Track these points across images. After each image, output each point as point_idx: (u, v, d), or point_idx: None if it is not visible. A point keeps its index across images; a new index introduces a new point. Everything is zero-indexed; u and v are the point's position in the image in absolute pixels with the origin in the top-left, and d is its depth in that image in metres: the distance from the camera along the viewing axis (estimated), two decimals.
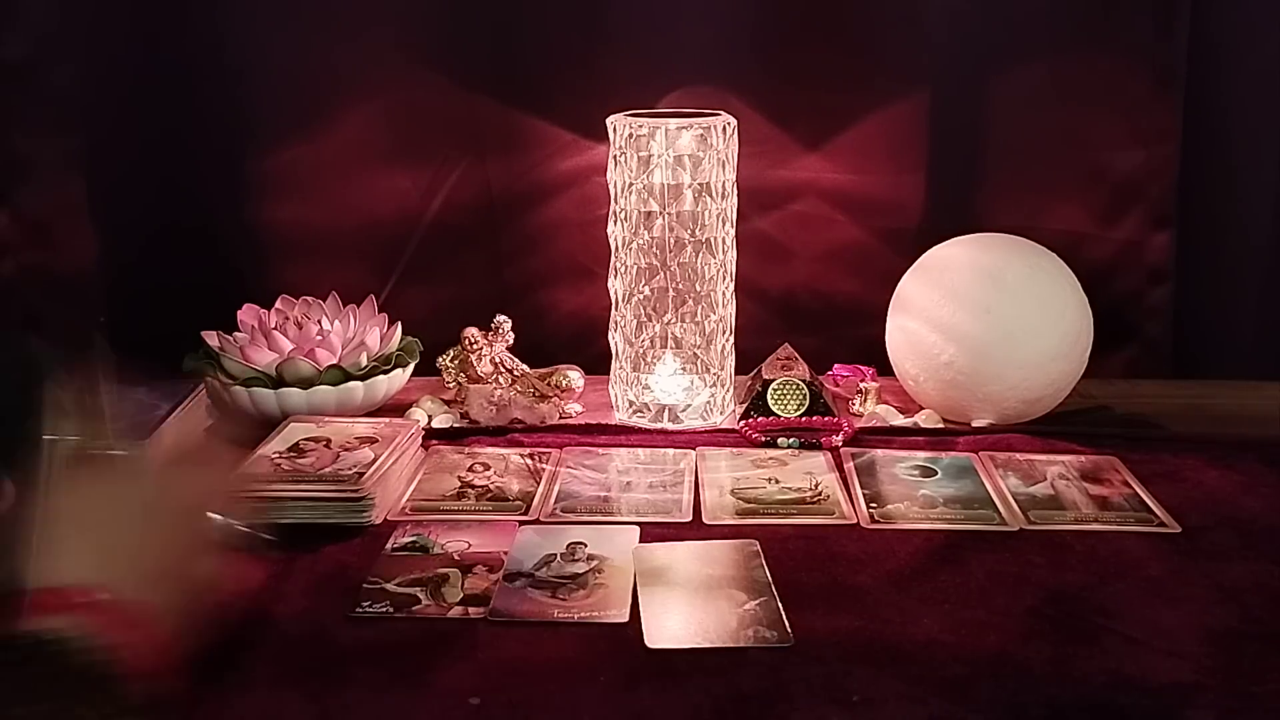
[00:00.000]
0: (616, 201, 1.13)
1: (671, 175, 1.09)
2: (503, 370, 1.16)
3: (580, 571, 0.84)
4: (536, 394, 1.15)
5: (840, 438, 1.08)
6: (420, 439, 1.06)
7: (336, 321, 1.17)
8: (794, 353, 1.18)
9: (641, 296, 1.13)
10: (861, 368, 1.20)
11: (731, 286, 1.15)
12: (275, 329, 1.14)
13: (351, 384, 1.11)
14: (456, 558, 0.87)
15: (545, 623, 0.77)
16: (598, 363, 1.20)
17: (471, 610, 0.79)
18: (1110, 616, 0.78)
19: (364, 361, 1.13)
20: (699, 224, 1.10)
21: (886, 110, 1.26)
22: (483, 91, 1.27)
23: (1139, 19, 1.24)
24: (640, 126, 1.09)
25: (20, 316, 1.27)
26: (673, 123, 1.09)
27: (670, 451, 1.07)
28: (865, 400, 1.15)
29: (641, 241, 1.11)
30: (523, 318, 1.18)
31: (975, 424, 1.10)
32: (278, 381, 1.11)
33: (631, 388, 1.15)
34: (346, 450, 0.98)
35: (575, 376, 1.17)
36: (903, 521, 0.92)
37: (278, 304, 1.19)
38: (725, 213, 1.12)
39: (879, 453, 1.06)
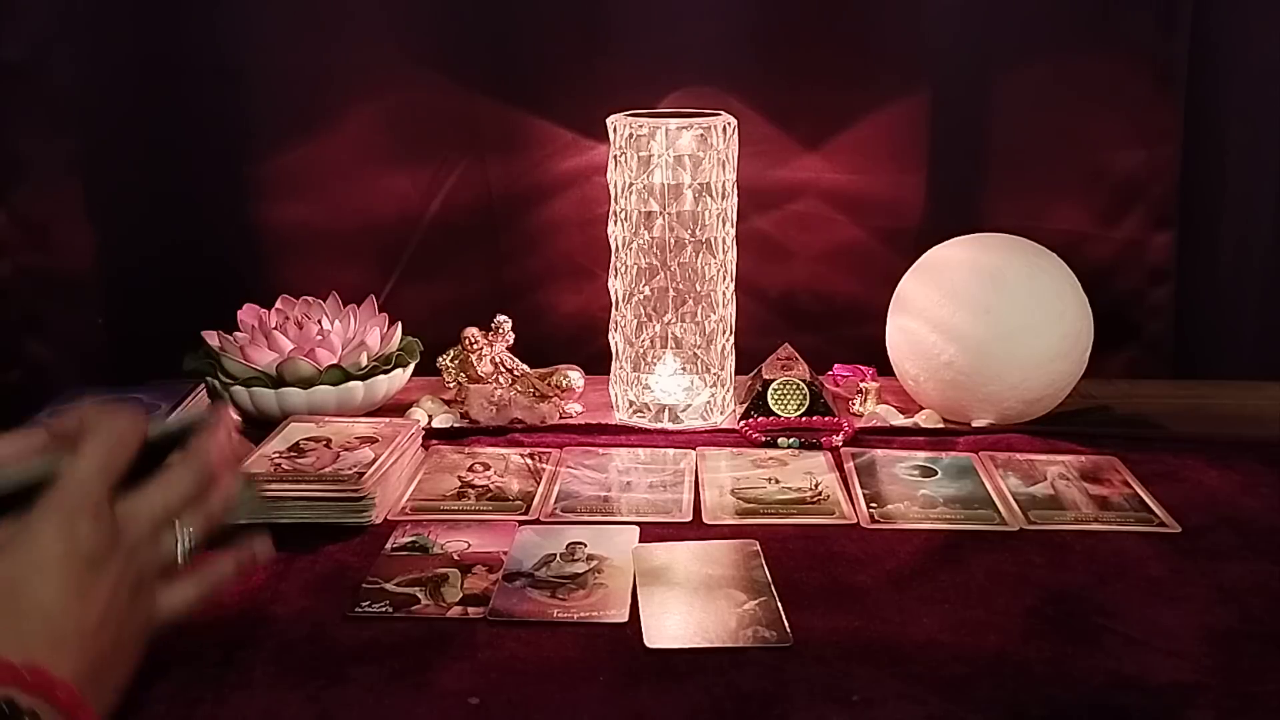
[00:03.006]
0: (616, 201, 1.13)
1: (671, 175, 1.09)
2: (503, 370, 1.16)
3: (580, 571, 0.84)
4: (536, 394, 1.15)
5: (840, 438, 1.08)
6: (420, 439, 1.06)
7: (337, 321, 1.17)
8: (794, 353, 1.18)
9: (641, 296, 1.12)
10: (861, 368, 1.20)
11: (731, 286, 1.15)
12: (275, 329, 1.14)
13: (351, 384, 1.11)
14: (456, 557, 0.86)
15: (545, 623, 0.77)
16: (598, 363, 1.20)
17: (471, 610, 0.79)
18: (1110, 616, 0.78)
19: (364, 361, 1.13)
20: (699, 224, 1.10)
21: (887, 110, 1.26)
22: (483, 91, 1.27)
23: (1140, 18, 1.23)
24: (640, 126, 1.09)
25: (19, 317, 1.27)
26: (673, 123, 1.09)
27: (670, 451, 1.06)
28: (865, 400, 1.15)
29: (641, 241, 1.11)
30: (523, 318, 1.18)
31: (975, 424, 1.10)
32: (278, 381, 1.11)
33: (631, 388, 1.14)
34: (346, 450, 0.98)
35: (575, 376, 1.17)
36: (903, 521, 0.92)
37: (278, 304, 1.19)
38: (725, 213, 1.12)
39: (879, 453, 1.06)
